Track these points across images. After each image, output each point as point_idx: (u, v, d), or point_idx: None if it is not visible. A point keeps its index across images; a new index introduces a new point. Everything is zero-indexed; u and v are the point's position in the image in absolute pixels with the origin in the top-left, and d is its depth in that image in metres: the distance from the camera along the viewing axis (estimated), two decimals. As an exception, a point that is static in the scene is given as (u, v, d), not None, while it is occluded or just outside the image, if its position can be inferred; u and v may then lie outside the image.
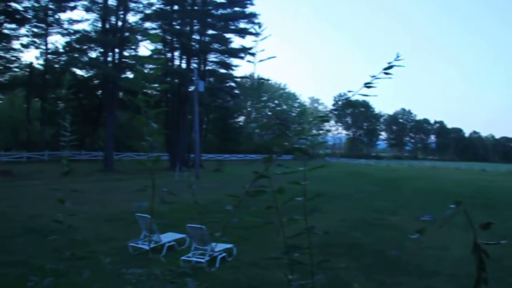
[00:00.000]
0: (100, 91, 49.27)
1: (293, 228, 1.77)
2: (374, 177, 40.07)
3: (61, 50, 46.21)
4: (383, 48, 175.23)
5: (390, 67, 1.68)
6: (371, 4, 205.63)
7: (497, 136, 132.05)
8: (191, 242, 9.79)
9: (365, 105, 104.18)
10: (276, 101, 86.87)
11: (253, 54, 1.90)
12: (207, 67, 48.49)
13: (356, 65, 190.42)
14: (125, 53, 41.68)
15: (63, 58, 45.96)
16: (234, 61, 49.23)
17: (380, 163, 77.76)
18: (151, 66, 1.98)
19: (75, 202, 2.42)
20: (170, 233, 10.73)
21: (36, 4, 44.02)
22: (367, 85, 1.69)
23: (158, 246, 9.68)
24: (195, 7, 44.37)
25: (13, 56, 46.86)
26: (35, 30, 46.20)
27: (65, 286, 2.27)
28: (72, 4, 41.85)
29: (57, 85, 43.51)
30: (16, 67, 48.60)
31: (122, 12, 40.52)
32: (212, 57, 48.64)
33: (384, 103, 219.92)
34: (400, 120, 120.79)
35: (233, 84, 51.90)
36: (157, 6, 43.83)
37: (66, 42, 45.00)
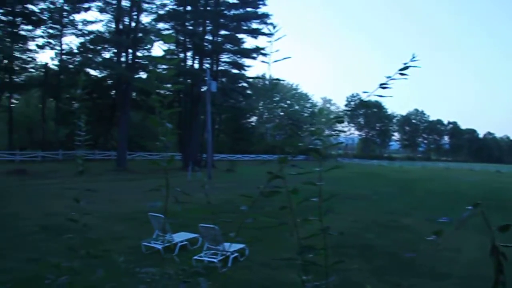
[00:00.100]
0: (114, 91, 49.70)
1: (306, 228, 1.76)
2: (387, 178, 39.78)
3: (76, 51, 46.69)
4: (396, 48, 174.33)
5: (406, 67, 1.66)
6: (387, 3, 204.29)
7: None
8: (203, 242, 9.81)
9: (378, 105, 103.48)
10: (288, 102, 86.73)
11: (265, 55, 1.90)
12: (220, 68, 48.63)
13: (369, 65, 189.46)
14: (138, 54, 42.00)
15: (77, 59, 46.40)
16: (246, 61, 49.39)
17: (393, 164, 77.18)
18: (164, 66, 1.99)
19: (89, 201, 2.44)
20: (183, 232, 10.76)
21: (51, 6, 44.64)
22: (383, 86, 1.68)
23: (170, 246, 9.72)
24: (208, 8, 44.52)
25: (29, 57, 47.57)
26: (51, 31, 46.82)
27: (79, 284, 2.29)
28: (86, 5, 42.30)
29: (72, 85, 44.06)
30: (31, 67, 49.32)
31: (135, 13, 40.85)
32: (224, 57, 48.80)
33: (397, 103, 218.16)
34: (413, 121, 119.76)
35: (245, 84, 51.93)
36: (170, 6, 44.16)
37: (81, 43, 45.44)
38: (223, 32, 46.52)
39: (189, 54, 45.53)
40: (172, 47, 40.10)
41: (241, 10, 46.70)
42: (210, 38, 45.63)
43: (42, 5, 43.79)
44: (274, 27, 1.83)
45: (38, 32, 46.21)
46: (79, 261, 2.30)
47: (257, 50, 44.86)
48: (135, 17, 40.91)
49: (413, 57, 1.68)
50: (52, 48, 48.26)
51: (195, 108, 43.67)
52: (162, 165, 1.93)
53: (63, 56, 47.97)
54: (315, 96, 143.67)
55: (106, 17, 43.61)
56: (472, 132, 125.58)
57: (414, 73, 1.74)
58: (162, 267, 2.13)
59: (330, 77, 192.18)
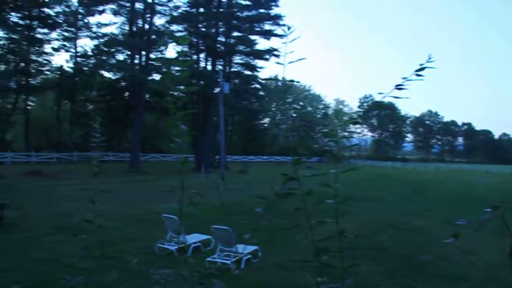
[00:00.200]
0: (127, 93, 50.15)
1: (320, 230, 1.75)
2: (400, 179, 39.41)
3: (90, 53, 47.30)
4: (409, 49, 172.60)
5: (422, 68, 1.64)
6: (400, 2, 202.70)
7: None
8: (216, 244, 9.82)
9: (391, 106, 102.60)
10: (301, 103, 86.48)
11: (278, 56, 1.90)
12: (232, 69, 48.70)
13: (383, 66, 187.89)
14: (152, 56, 42.34)
15: (92, 61, 47.02)
16: (259, 62, 49.40)
17: (406, 166, 76.39)
18: (177, 68, 2.00)
19: (103, 202, 2.46)
20: (196, 234, 10.76)
21: (66, 9, 45.30)
22: (398, 87, 1.66)
23: (184, 247, 9.74)
24: (221, 10, 44.65)
25: (44, 60, 48.33)
26: (66, 34, 47.61)
27: (94, 285, 2.30)
28: (100, 8, 42.76)
29: (86, 87, 44.65)
30: (47, 70, 50.10)
31: (149, 15, 41.18)
32: (237, 58, 48.85)
33: (411, 104, 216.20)
34: (427, 122, 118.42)
35: (258, 85, 51.95)
36: (183, 8, 44.38)
37: (95, 45, 46.03)
38: (235, 33, 46.59)
39: (202, 55, 45.71)
40: (185, 49, 40.35)
41: (254, 12, 46.71)
42: (223, 39, 45.73)
43: (58, 9, 44.47)
44: (289, 28, 1.82)
45: (54, 35, 47.11)
46: (93, 261, 2.32)
47: (270, 52, 44.86)
48: (148, 19, 41.28)
49: (429, 58, 1.65)
50: (67, 51, 49.09)
51: (208, 109, 43.79)
52: (177, 167, 1.93)
53: (78, 59, 48.69)
54: (328, 98, 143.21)
55: (120, 19, 44.19)
56: (487, 133, 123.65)
57: (428, 74, 1.72)
58: (177, 268, 2.13)
59: (343, 78, 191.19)
